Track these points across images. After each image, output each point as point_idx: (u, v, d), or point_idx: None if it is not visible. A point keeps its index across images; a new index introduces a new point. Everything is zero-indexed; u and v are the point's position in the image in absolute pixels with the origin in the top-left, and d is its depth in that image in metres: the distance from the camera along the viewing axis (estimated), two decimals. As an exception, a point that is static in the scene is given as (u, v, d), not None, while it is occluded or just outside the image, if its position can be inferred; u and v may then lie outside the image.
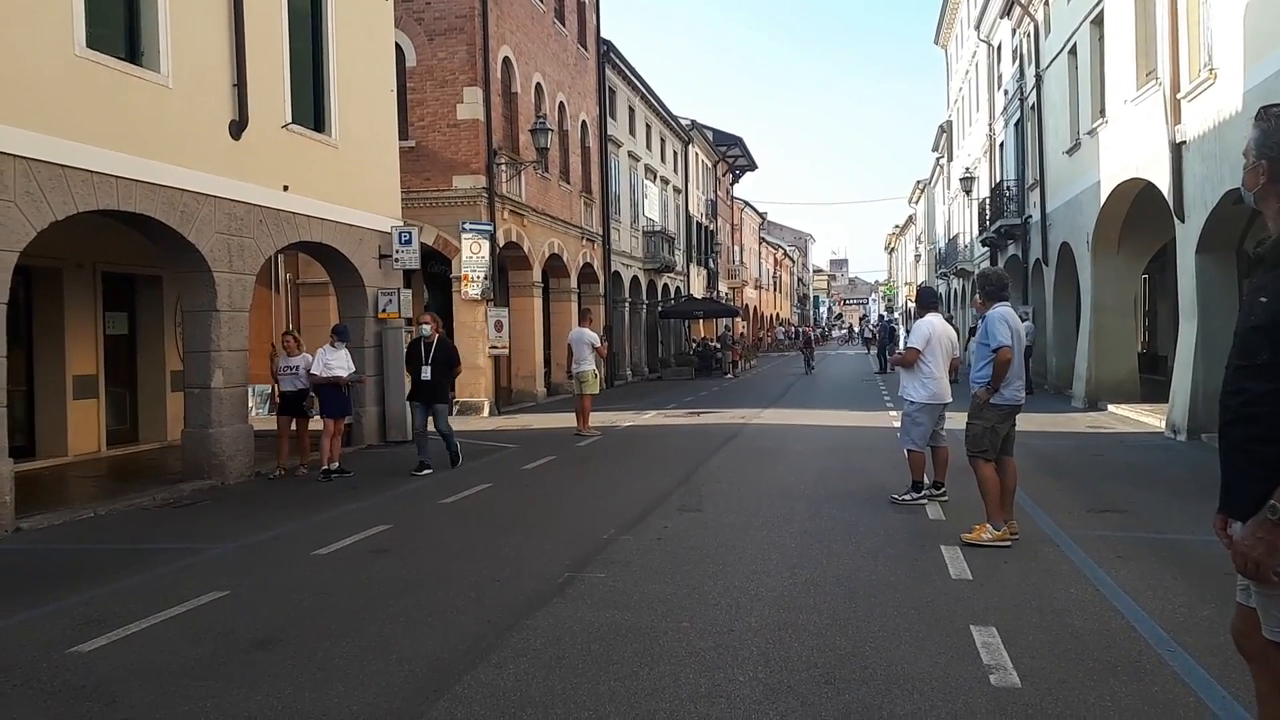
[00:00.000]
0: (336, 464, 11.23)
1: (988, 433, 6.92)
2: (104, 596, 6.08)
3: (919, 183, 63.51)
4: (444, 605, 5.66)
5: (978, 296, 7.41)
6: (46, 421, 12.92)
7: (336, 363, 11.55)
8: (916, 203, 67.55)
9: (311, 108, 13.24)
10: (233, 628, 5.34)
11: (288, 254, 16.81)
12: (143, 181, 9.92)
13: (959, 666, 4.47)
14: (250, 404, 11.15)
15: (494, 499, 9.66)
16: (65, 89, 9.05)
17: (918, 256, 68.89)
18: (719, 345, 36.28)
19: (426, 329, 11.31)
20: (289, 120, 12.46)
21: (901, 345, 8.75)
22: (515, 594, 5.88)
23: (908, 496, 8.48)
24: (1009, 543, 6.81)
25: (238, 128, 11.39)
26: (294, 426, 11.60)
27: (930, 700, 4.08)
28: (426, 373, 11.10)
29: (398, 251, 14.89)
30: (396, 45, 16.58)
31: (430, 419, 11.26)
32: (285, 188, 12.29)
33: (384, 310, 14.56)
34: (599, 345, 15.41)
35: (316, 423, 11.63)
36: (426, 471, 10.95)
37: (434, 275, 19.95)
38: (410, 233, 15.09)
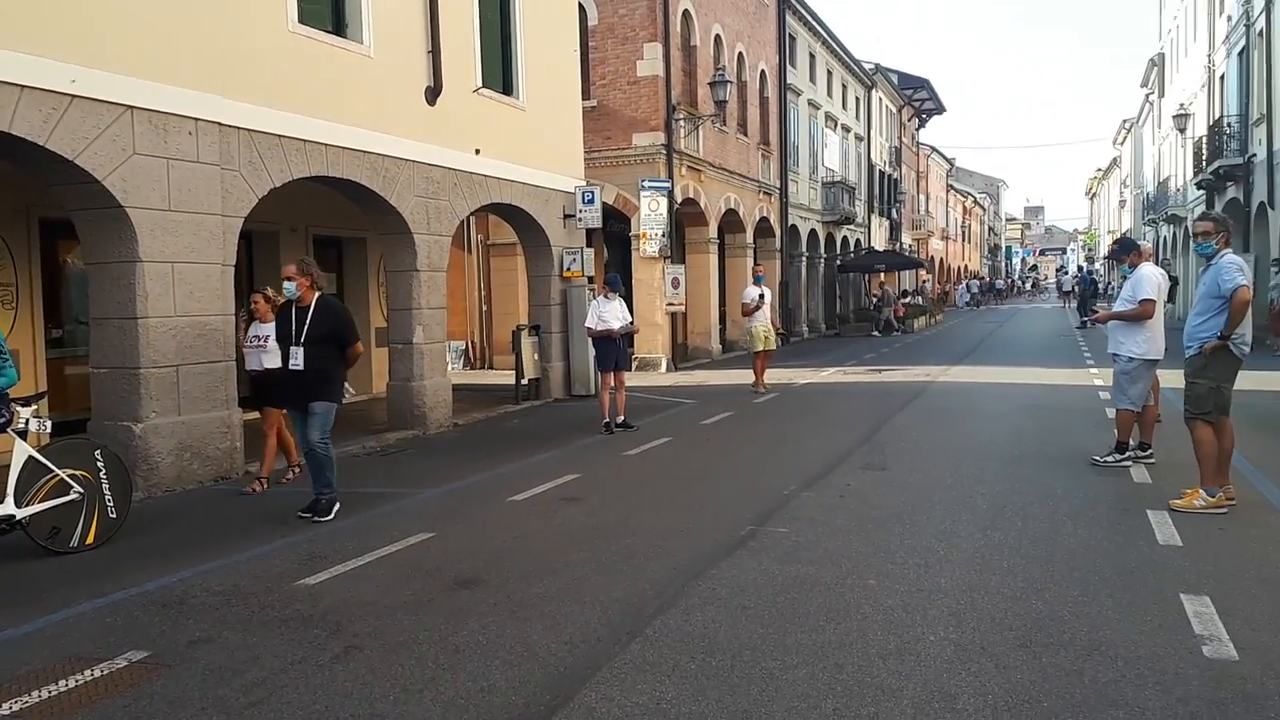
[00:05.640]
0: (622, 417, 11.10)
1: (1213, 392, 6.42)
2: (324, 535, 6.63)
3: (1125, 122, 58.83)
4: (632, 552, 5.85)
5: (1216, 238, 6.52)
6: (268, 374, 14.07)
7: (610, 313, 11.23)
8: (1122, 144, 62.71)
9: (500, 72, 13.66)
10: (439, 567, 5.73)
11: (478, 215, 17.49)
12: (349, 148, 10.56)
13: (1168, 636, 4.25)
14: (448, 359, 11.61)
15: (675, 452, 9.83)
16: (280, 63, 9.71)
17: (1123, 202, 64.14)
18: (878, 299, 33.11)
19: (291, 287, 7.15)
20: (480, 85, 12.90)
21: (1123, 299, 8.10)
22: (699, 544, 6.00)
23: (1110, 458, 8.03)
24: (1225, 509, 6.35)
25: (433, 94, 11.90)
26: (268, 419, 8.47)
27: (1136, 669, 3.90)
28: (297, 358, 7.06)
29: (581, 211, 15.23)
30: (579, 5, 16.80)
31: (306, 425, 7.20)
32: (477, 151, 12.78)
33: (569, 269, 14.95)
34: (750, 302, 14.96)
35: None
36: (327, 517, 7.04)
37: (613, 233, 20.28)
38: (593, 192, 15.39)
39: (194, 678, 4.15)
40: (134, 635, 4.69)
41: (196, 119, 8.67)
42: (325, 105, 10.23)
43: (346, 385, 8.11)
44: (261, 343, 8.31)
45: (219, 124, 8.92)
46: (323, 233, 14.88)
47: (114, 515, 6.56)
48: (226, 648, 4.49)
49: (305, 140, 9.97)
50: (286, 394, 7.39)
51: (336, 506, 7.16)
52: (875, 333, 30.60)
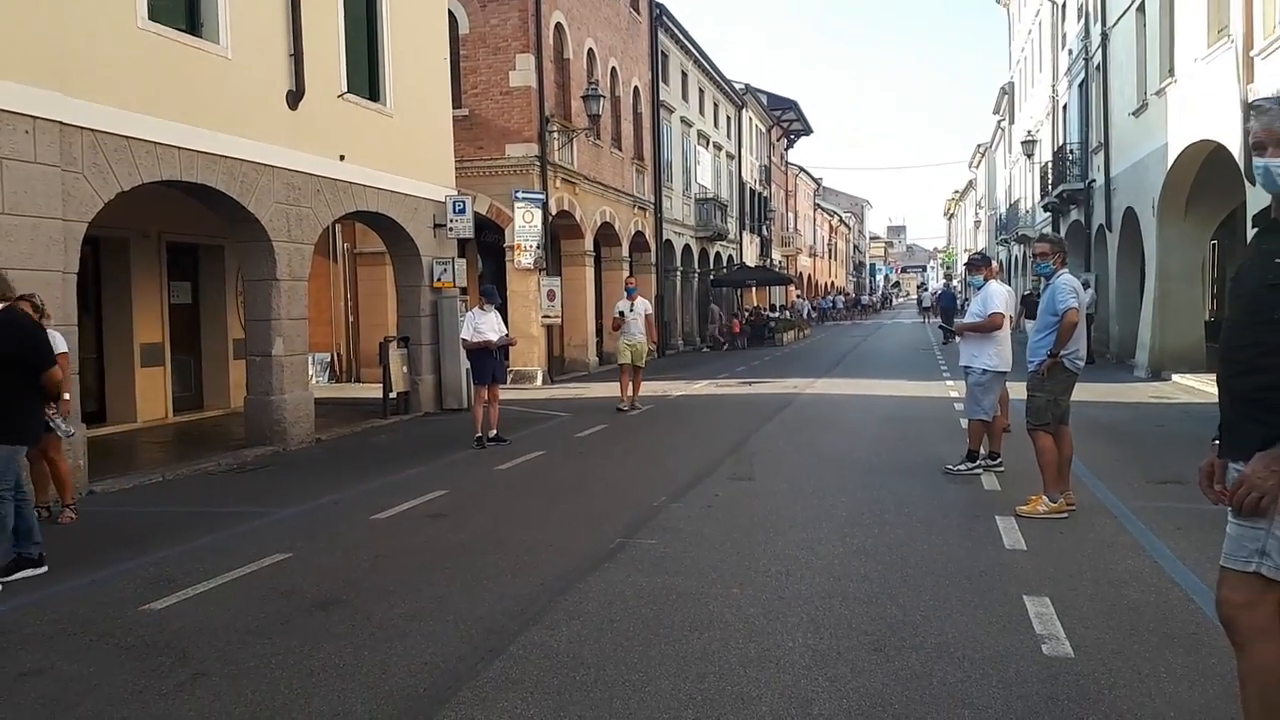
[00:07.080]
0: (494, 431, 10.90)
1: (1050, 404, 6.81)
2: (174, 557, 6.30)
3: (980, 146, 62.15)
4: (498, 569, 5.77)
5: (1053, 259, 6.91)
6: (116, 388, 13.34)
7: (487, 325, 11.05)
8: (977, 167, 66.17)
9: (366, 77, 13.36)
10: (296, 588, 5.51)
11: (344, 223, 17.05)
12: (204, 152, 10.12)
13: (1011, 636, 4.45)
14: (310, 372, 11.23)
15: (547, 466, 9.77)
16: (128, 61, 9.23)
17: (977, 222, 67.60)
18: (713, 318, 33.08)
19: None
20: (344, 90, 12.59)
21: (972, 313, 8.57)
22: (567, 559, 5.97)
23: (963, 467, 8.40)
24: (1066, 514, 6.73)
25: (295, 98, 11.54)
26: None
27: (981, 668, 4.07)
28: None
29: (452, 221, 15.01)
30: (449, 12, 16.61)
31: None
32: (342, 157, 12.45)
33: (439, 279, 14.72)
34: (615, 316, 14.83)
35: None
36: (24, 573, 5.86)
37: (487, 244, 20.09)
38: (464, 202, 15.20)
39: (23, 712, 3.86)
40: (-48, 671, 4.33)
41: (34, 117, 8.15)
42: (179, 107, 9.78)
43: (58, 422, 6.67)
44: None
45: (60, 123, 8.41)
46: (178, 239, 14.23)
47: (-67, 541, 6.04)
48: (60, 679, 4.20)
49: (156, 143, 9.51)
50: None
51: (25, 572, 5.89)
52: (706, 348, 30.93)
